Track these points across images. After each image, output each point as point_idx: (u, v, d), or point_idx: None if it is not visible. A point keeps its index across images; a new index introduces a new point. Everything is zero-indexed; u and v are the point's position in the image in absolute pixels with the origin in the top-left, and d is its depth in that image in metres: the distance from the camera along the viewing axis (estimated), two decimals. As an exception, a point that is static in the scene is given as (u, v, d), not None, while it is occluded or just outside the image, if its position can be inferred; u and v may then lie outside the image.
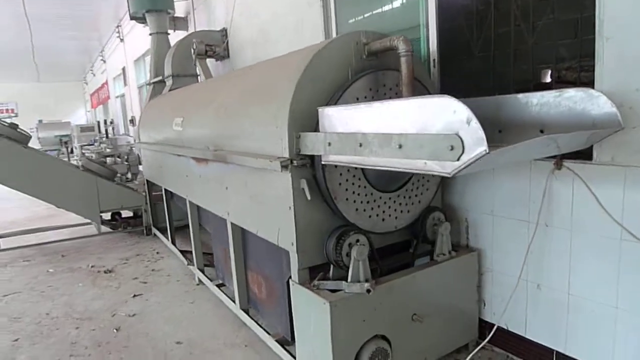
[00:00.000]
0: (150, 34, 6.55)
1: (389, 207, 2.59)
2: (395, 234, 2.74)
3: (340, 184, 2.37)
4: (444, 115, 1.54)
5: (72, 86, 24.20)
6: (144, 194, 6.26)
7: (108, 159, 9.11)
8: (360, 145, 1.92)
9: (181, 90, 4.99)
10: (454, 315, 2.79)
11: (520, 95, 2.34)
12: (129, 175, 9.25)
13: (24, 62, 15.37)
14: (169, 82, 5.86)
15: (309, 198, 2.33)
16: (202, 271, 4.37)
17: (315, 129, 2.29)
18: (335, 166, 2.33)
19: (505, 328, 2.83)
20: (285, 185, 2.38)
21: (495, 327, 2.74)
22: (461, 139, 1.47)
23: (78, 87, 24.76)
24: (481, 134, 1.41)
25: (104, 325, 3.69)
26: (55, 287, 4.64)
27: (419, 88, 2.63)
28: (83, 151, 12.41)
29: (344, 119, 2.07)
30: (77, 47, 14.80)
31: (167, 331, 3.52)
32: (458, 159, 1.49)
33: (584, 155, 2.31)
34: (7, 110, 21.42)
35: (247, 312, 3.43)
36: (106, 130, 10.91)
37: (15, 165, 5.43)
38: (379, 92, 2.46)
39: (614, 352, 2.30)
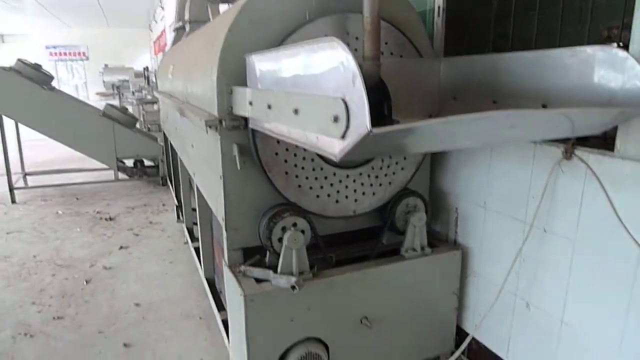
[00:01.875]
0: (177, -25, 6.19)
1: (346, 186, 2.11)
2: (362, 219, 2.27)
3: (276, 153, 1.93)
4: (334, 69, 1.03)
5: (139, 33, 24.82)
6: (161, 144, 6.14)
7: (155, 107, 9.15)
8: (269, 107, 1.45)
9: (185, 39, 4.65)
10: (423, 323, 2.32)
11: (521, 55, 1.72)
12: (166, 124, 9.27)
13: (93, 7, 15.79)
14: (187, 29, 5.53)
15: (238, 167, 1.92)
16: (190, 230, 4.17)
17: (250, 83, 1.83)
18: (271, 131, 1.88)
19: (483, 344, 2.32)
20: (216, 149, 1.98)
21: (468, 339, 2.23)
22: (347, 106, 0.97)
23: (144, 33, 25.38)
24: (364, 103, 0.90)
25: (78, 275, 3.62)
26: (55, 229, 4.67)
27: (402, 42, 2.07)
28: (130, 97, 12.68)
29: (265, 70, 1.60)
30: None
31: (133, 291, 3.36)
32: (343, 137, 1.00)
33: (605, 143, 1.68)
34: (78, 54, 22.52)
35: (212, 281, 3.17)
36: (147, 77, 10.95)
37: (34, 106, 5.46)
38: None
39: (608, 406, 1.75)
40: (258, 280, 1.97)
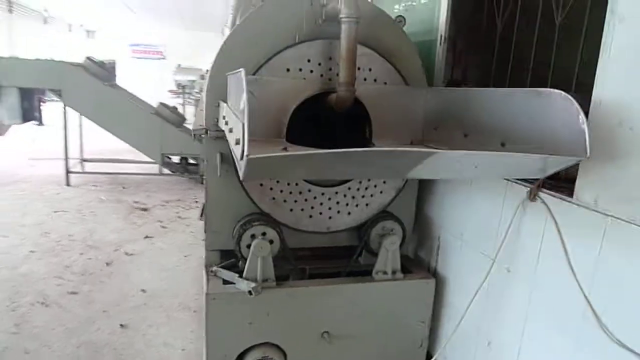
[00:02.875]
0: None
1: (321, 203, 2.19)
2: (339, 236, 2.33)
3: (252, 165, 2.05)
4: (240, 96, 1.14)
5: (212, 36, 26.24)
6: (204, 143, 6.50)
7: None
8: (226, 121, 1.59)
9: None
10: (388, 348, 2.32)
11: (489, 91, 1.74)
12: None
13: (172, 10, 16.98)
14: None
15: (218, 174, 2.07)
16: (209, 228, 4.40)
17: (236, 98, 1.98)
18: (248, 144, 2.01)
19: (450, 380, 2.28)
20: (203, 156, 2.15)
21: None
22: (243, 130, 1.08)
23: (218, 37, 26.79)
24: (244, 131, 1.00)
25: (102, 257, 3.96)
26: (95, 213, 5.12)
27: (387, 70, 2.13)
28: (193, 96, 13.40)
29: (234, 87, 1.73)
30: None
31: (145, 278, 3.63)
32: (241, 158, 1.10)
33: (567, 188, 1.64)
34: (156, 52, 24.19)
35: (212, 279, 3.35)
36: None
37: (95, 100, 6.01)
38: (322, 66, 2.03)
39: None
40: (226, 282, 2.10)
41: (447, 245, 2.35)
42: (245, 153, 0.98)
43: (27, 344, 2.67)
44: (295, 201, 2.15)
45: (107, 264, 3.83)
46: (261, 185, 2.09)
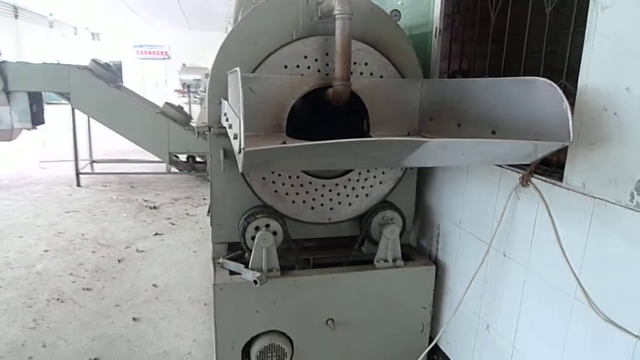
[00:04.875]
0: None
1: (322, 195, 2.26)
2: (340, 227, 2.40)
3: (254, 160, 2.13)
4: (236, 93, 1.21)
5: (216, 35, 26.33)
6: (210, 142, 6.60)
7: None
8: (226, 118, 1.66)
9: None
10: (390, 333, 2.39)
11: (477, 81, 1.78)
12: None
13: (176, 10, 17.10)
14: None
15: (222, 170, 2.15)
16: (216, 224, 4.50)
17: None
18: (250, 140, 2.08)
19: (451, 363, 2.35)
20: (207, 152, 2.23)
21: (432, 344, 2.30)
22: (240, 125, 1.15)
23: (221, 36, 26.84)
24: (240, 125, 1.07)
25: (114, 255, 4.07)
26: (106, 213, 5.24)
27: (383, 63, 2.18)
28: (198, 95, 13.51)
29: (233, 85, 1.80)
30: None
31: (155, 273, 3.73)
32: (239, 152, 1.17)
33: (558, 173, 1.69)
34: (161, 52, 24.37)
35: (220, 272, 3.44)
36: (210, 77, 11.69)
37: (102, 101, 6.13)
38: (319, 62, 2.10)
39: None
40: (232, 273, 2.19)
41: (446, 233, 2.42)
42: (242, 146, 1.05)
43: (44, 338, 2.78)
44: (297, 193, 2.23)
45: (119, 260, 3.94)
46: (263, 178, 2.16)
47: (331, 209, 2.30)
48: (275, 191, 2.20)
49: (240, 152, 1.09)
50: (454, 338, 2.36)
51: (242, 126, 1.05)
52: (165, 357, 2.64)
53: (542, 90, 1.47)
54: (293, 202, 2.23)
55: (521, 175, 1.81)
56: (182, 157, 7.04)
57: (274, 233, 2.14)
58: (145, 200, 5.76)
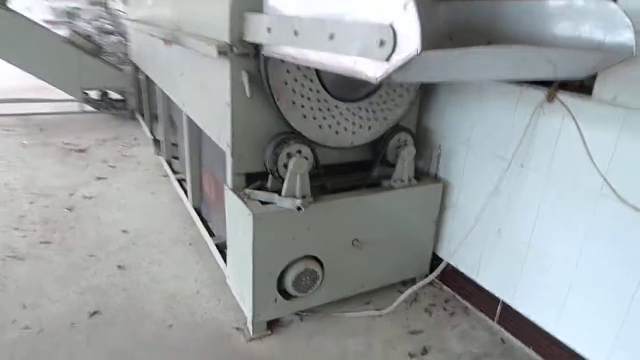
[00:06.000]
0: None
1: (347, 119, 2.24)
2: (356, 151, 2.43)
3: (286, 83, 2.01)
4: (379, -5, 1.13)
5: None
6: (131, 76, 5.91)
7: (112, 37, 8.63)
8: (296, 33, 1.53)
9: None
10: (405, 247, 2.58)
11: (517, 3, 1.86)
12: (130, 57, 8.81)
13: None
14: (160, -48, 5.20)
15: (248, 95, 1.99)
16: (169, 163, 4.19)
17: (264, 10, 1.86)
18: (282, 61, 1.95)
19: (457, 268, 2.62)
20: (224, 76, 2.03)
21: (444, 264, 2.54)
22: (394, 31, 1.09)
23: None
24: (415, 25, 1.02)
25: (59, 204, 3.60)
26: (23, 159, 4.52)
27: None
28: (87, 26, 11.78)
29: (287, -3, 1.64)
30: None
31: (118, 218, 3.41)
32: (388, 59, 1.12)
33: (585, 89, 1.90)
34: (19, -28, 20.31)
35: (199, 211, 3.28)
36: (106, 4, 10.19)
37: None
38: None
39: (560, 315, 2.09)
40: (262, 203, 2.11)
41: (450, 153, 2.58)
42: (418, 49, 1.00)
43: (21, 299, 2.45)
44: (324, 118, 2.17)
45: (69, 209, 3.50)
46: (293, 102, 2.06)
47: (354, 133, 2.30)
48: (304, 116, 2.12)
49: (404, 57, 1.04)
50: (457, 245, 2.61)
51: (419, 25, 0.99)
52: (174, 299, 2.51)
53: (598, 11, 1.60)
54: (320, 127, 2.18)
55: (547, 92, 1.99)
56: (92, 95, 6.26)
57: (305, 159, 2.10)
58: (67, 144, 5.07)
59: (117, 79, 5.91)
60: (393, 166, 2.44)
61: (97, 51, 5.96)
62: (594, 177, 1.86)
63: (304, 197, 2.10)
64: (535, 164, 2.11)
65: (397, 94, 2.34)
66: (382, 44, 1.11)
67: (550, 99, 1.98)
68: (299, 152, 2.09)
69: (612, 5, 1.58)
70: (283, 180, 2.09)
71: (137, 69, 5.73)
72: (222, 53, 1.94)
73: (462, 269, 2.59)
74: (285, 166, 2.07)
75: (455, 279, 2.66)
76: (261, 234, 2.03)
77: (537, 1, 1.83)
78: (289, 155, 2.07)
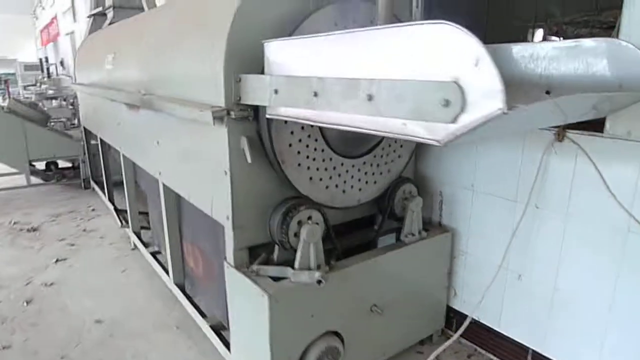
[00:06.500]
0: (91, -45, 5.59)
1: (352, 176, 2.10)
2: (359, 209, 2.27)
3: (290, 145, 1.85)
4: (439, 51, 1.02)
5: (20, 20, 21.91)
6: (82, 142, 5.53)
7: (54, 102, 8.19)
8: (315, 94, 1.38)
9: (118, 24, 4.22)
10: (420, 304, 2.41)
11: (522, 46, 1.85)
12: (75, 121, 8.34)
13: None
14: (109, 15, 5.03)
15: (249, 161, 1.80)
16: (138, 235, 3.82)
17: (263, 70, 1.72)
18: (285, 122, 1.79)
19: (476, 319, 2.47)
20: (221, 142, 1.84)
21: (468, 320, 2.38)
22: (462, 89, 0.97)
23: (27, 21, 22.47)
24: (497, 82, 0.90)
25: (14, 296, 3.14)
26: (-36, 246, 3.99)
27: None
28: (25, 92, 11.19)
29: (296, 56, 1.51)
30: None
31: (88, 306, 3.00)
32: (454, 121, 0.99)
33: (592, 126, 1.88)
34: (-58, 41, 19.25)
35: (182, 287, 2.94)
36: (48, 69, 9.75)
37: None
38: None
39: (600, 359, 1.97)
40: (272, 279, 1.89)
41: (453, 199, 2.49)
42: (500, 108, 0.87)
43: None
44: (330, 177, 2.02)
45: (27, 302, 3.05)
46: (299, 165, 1.90)
47: (360, 190, 2.16)
48: (310, 178, 1.95)
49: (481, 116, 0.91)
50: (474, 295, 2.47)
51: (500, 81, 0.87)
52: (171, 399, 2.16)
53: (610, 50, 1.60)
54: (327, 187, 2.02)
55: (555, 131, 1.96)
56: (38, 165, 5.79)
57: (316, 224, 1.91)
58: (15, 223, 4.56)
59: (67, 146, 5.51)
60: (398, 219, 2.30)
61: (43, 119, 5.55)
62: (617, 212, 1.81)
63: (318, 266, 1.90)
64: (551, 204, 2.04)
65: (398, 143, 2.25)
66: (446, 103, 0.98)
67: (560, 137, 1.95)
68: (309, 218, 1.91)
69: (623, 43, 1.58)
70: (294, 250, 1.88)
71: (87, 134, 5.39)
72: (217, 118, 1.76)
73: (482, 319, 2.45)
74: (296, 235, 1.87)
75: (474, 331, 2.50)
76: (278, 316, 1.79)
77: (542, 44, 1.83)
78: (300, 223, 1.88)
